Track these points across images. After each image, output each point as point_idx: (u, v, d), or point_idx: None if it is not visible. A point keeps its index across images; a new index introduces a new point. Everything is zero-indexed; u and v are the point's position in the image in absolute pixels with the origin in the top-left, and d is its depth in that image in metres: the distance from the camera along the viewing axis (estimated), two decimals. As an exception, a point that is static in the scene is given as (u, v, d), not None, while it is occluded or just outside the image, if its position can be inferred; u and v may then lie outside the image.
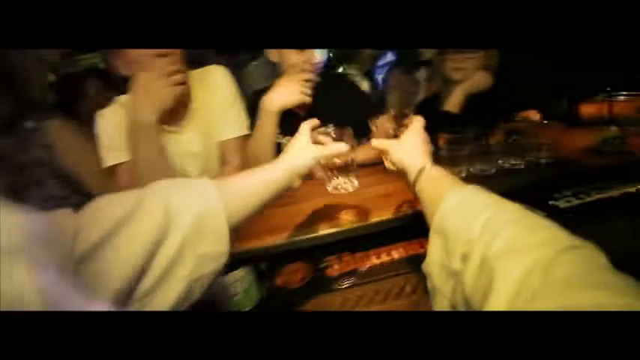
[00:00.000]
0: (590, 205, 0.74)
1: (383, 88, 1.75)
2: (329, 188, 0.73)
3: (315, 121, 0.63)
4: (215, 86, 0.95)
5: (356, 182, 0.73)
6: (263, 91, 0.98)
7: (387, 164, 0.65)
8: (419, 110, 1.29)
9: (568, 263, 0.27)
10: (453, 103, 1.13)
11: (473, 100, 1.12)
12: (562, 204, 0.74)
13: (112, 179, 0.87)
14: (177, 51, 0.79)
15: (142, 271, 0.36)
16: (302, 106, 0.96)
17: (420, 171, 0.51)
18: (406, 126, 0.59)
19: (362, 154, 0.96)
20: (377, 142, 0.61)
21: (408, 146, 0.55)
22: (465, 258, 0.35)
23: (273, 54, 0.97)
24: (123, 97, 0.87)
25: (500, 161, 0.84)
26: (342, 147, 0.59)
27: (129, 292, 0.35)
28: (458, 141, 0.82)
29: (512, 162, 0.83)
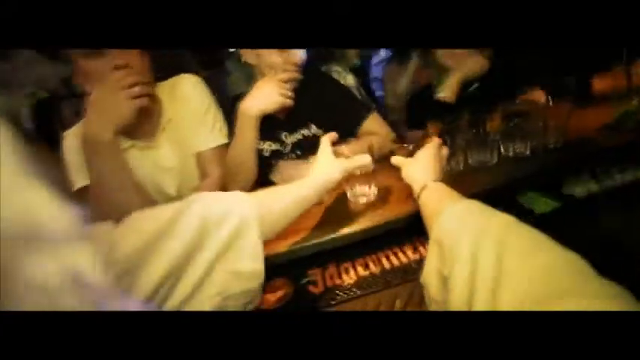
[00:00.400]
0: (614, 191, 0.63)
1: (376, 85, 1.67)
2: (350, 196, 0.73)
3: (333, 135, 0.65)
4: (186, 96, 0.90)
5: (375, 189, 0.72)
6: (242, 96, 0.93)
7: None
8: (412, 101, 1.20)
9: (557, 272, 0.27)
10: (447, 91, 1.03)
11: (469, 87, 1.02)
12: (579, 192, 0.64)
13: (84, 202, 0.82)
14: (139, 61, 0.75)
15: (173, 287, 0.36)
16: (282, 109, 0.90)
17: (423, 187, 0.53)
18: (424, 144, 0.63)
19: (349, 152, 0.88)
20: (395, 159, 0.65)
21: (418, 164, 0.59)
22: (452, 263, 0.35)
23: (249, 55, 0.92)
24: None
25: (502, 149, 0.74)
26: (368, 159, 0.61)
27: (159, 306, 0.35)
28: (450, 130, 0.73)
29: (516, 149, 0.73)
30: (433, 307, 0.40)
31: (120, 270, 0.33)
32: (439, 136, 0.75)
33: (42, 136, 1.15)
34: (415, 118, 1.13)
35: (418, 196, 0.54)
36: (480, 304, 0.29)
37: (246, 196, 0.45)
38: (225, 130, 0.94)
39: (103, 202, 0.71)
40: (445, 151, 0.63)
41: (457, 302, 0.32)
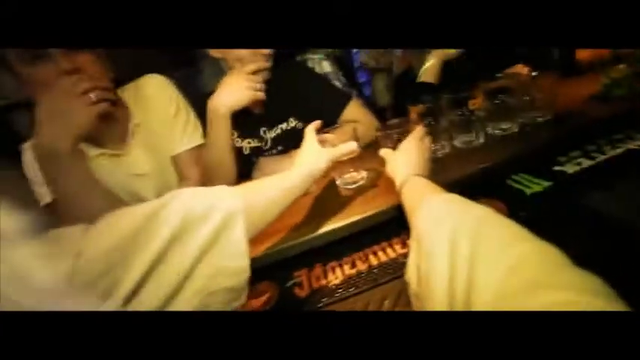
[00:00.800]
0: (605, 164, 0.60)
1: (360, 73, 1.62)
2: (340, 184, 0.71)
3: (317, 123, 0.65)
4: (152, 97, 0.85)
5: (365, 174, 0.71)
6: (213, 93, 0.88)
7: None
8: (395, 86, 1.16)
9: (532, 264, 0.27)
10: (428, 73, 0.99)
11: (450, 67, 0.98)
12: (570, 168, 0.61)
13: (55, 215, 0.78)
14: (93, 63, 0.69)
15: (154, 285, 0.34)
16: (255, 103, 0.85)
17: (404, 182, 0.52)
18: (408, 133, 0.61)
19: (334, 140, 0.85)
20: (382, 152, 0.64)
21: (401, 157, 0.58)
22: (430, 261, 0.34)
23: (214, 50, 0.86)
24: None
25: (488, 128, 0.71)
26: (353, 145, 0.60)
27: (142, 305, 0.34)
28: (431, 112, 0.70)
29: (503, 126, 0.70)
30: (414, 302, 0.39)
31: (97, 270, 0.32)
32: (421, 119, 0.72)
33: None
34: (398, 102, 1.09)
35: (399, 191, 0.52)
36: (459, 298, 0.29)
37: (230, 189, 0.43)
38: (199, 131, 0.89)
39: (72, 214, 0.66)
40: (428, 140, 0.61)
41: (437, 297, 0.31)
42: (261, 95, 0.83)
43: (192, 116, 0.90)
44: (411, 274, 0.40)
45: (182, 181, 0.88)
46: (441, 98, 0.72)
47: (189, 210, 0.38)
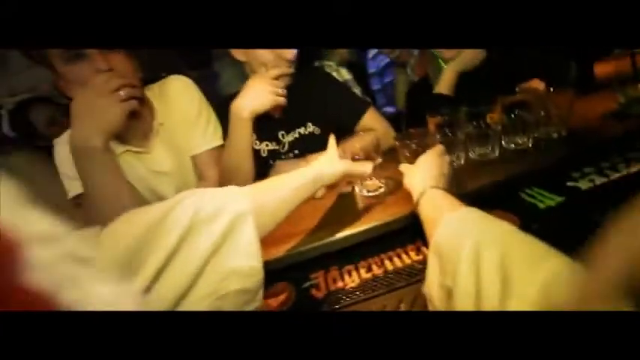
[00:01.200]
0: (619, 182, 0.61)
1: (373, 80, 1.64)
2: (359, 191, 0.73)
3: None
4: (177, 98, 0.88)
5: (383, 181, 0.73)
6: (236, 95, 0.90)
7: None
8: (409, 96, 1.17)
9: (564, 279, 0.27)
10: (444, 84, 1.01)
11: (466, 79, 1.00)
12: (584, 184, 0.62)
13: (79, 210, 0.80)
14: (124, 63, 0.72)
15: (166, 285, 0.34)
16: (276, 107, 0.88)
17: (421, 194, 0.52)
18: (426, 144, 0.63)
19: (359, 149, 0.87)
20: (401, 167, 0.65)
21: (419, 170, 0.58)
22: (455, 276, 0.35)
23: (238, 53, 0.89)
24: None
25: (503, 142, 0.73)
26: (369, 168, 0.62)
27: (152, 306, 0.34)
28: (450, 123, 0.72)
29: (518, 141, 0.72)
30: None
31: (111, 270, 0.32)
32: (439, 130, 0.74)
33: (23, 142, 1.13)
34: (413, 111, 1.11)
35: (417, 203, 0.53)
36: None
37: (240, 190, 0.43)
38: (219, 132, 0.92)
39: (97, 209, 0.69)
40: (447, 158, 0.61)
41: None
42: (283, 100, 0.86)
43: (214, 118, 0.92)
44: (431, 290, 0.40)
45: (201, 181, 0.90)
46: (459, 110, 0.73)
47: (198, 210, 0.37)
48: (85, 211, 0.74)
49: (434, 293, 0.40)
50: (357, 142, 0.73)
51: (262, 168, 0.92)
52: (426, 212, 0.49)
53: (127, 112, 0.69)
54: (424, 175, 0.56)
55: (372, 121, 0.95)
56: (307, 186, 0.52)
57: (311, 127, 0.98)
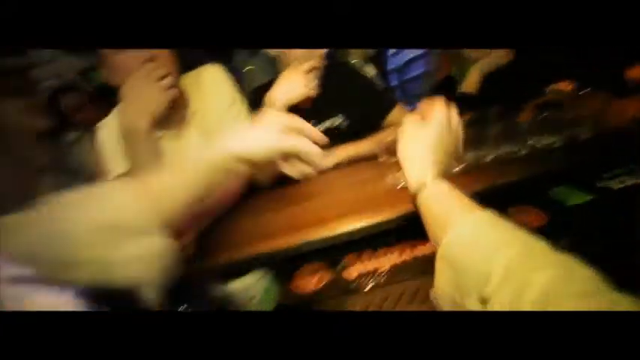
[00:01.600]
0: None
1: (392, 76, 1.65)
2: (394, 180, 0.71)
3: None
4: (210, 87, 0.91)
5: None
6: (263, 87, 0.93)
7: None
8: (433, 93, 1.19)
9: (597, 295, 0.26)
10: (469, 83, 1.03)
11: (492, 79, 1.01)
12: (614, 185, 0.64)
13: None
14: (166, 53, 0.75)
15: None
16: (307, 99, 0.90)
17: (421, 186, 0.43)
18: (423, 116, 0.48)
19: (367, 147, 0.89)
20: (385, 134, 0.57)
21: (416, 148, 0.45)
22: (485, 301, 0.31)
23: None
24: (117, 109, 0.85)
25: (532, 141, 0.74)
26: (315, 150, 0.48)
27: None
28: (480, 120, 0.73)
29: (547, 141, 0.73)
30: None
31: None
32: (466, 128, 0.75)
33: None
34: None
35: (414, 197, 0.43)
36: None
37: (125, 183, 0.43)
38: (249, 121, 0.95)
39: None
40: (457, 121, 0.48)
41: None
42: (314, 93, 0.88)
43: (245, 108, 0.95)
44: (442, 298, 0.37)
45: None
46: (489, 109, 0.75)
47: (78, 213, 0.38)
48: None
49: (444, 304, 0.37)
50: (392, 136, 0.75)
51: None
52: (429, 210, 0.41)
53: (170, 99, 0.73)
54: (424, 154, 0.45)
55: (399, 117, 0.97)
56: (210, 166, 0.48)
57: (338, 121, 1.00)
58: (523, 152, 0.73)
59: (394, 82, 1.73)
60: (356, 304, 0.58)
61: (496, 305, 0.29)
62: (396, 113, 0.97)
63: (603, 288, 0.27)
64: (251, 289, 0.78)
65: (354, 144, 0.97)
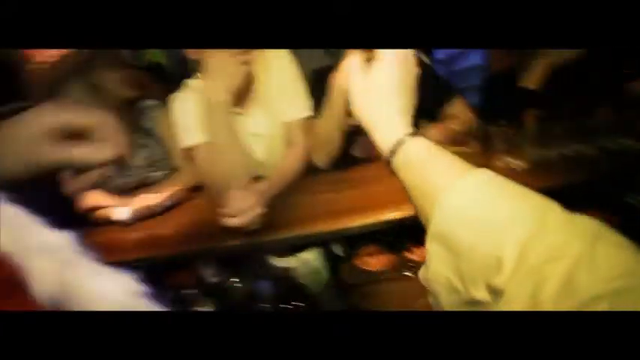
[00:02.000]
0: None
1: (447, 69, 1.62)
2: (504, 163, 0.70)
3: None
4: (276, 66, 0.94)
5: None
6: (324, 70, 0.95)
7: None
8: (489, 87, 1.17)
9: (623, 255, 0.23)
10: (532, 78, 1.00)
11: (560, 75, 0.98)
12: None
13: (189, 160, 0.91)
14: None
15: None
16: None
17: (398, 143, 0.34)
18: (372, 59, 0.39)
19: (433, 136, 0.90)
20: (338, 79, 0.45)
21: (375, 95, 0.37)
22: (497, 293, 0.25)
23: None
24: (193, 81, 0.90)
25: (605, 142, 0.73)
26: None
27: None
28: (552, 117, 0.73)
29: (621, 141, 0.72)
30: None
31: None
32: (535, 122, 0.75)
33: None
34: (495, 104, 1.11)
35: (390, 157, 0.34)
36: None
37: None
38: (309, 104, 0.98)
39: (212, 160, 0.78)
40: (408, 53, 0.39)
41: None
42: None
43: (305, 90, 0.98)
44: (436, 284, 0.30)
45: (288, 146, 0.97)
46: (560, 105, 0.74)
47: None
48: (198, 161, 0.84)
49: (440, 292, 0.30)
50: (453, 125, 0.76)
51: (346, 142, 0.97)
52: (411, 176, 0.33)
53: (246, 73, 0.77)
54: (390, 109, 0.36)
55: (459, 108, 0.97)
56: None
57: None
58: (594, 153, 0.73)
59: (440, 73, 1.70)
60: (414, 289, 0.61)
61: (513, 298, 0.24)
62: (456, 105, 0.97)
63: (633, 262, 0.22)
64: (307, 265, 0.83)
65: None
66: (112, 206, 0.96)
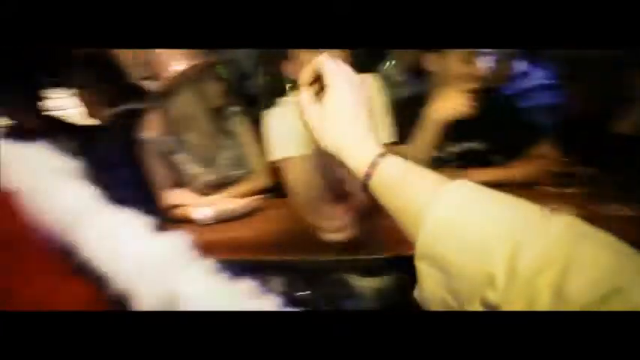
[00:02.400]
0: None
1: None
2: None
3: None
4: (372, 95, 0.97)
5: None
6: (414, 98, 0.98)
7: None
8: (570, 129, 1.13)
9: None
10: (628, 124, 0.97)
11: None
12: None
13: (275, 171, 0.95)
14: None
15: None
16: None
17: (372, 165, 0.33)
18: (320, 86, 0.38)
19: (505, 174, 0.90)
20: (299, 98, 0.39)
21: (335, 121, 0.36)
22: (494, 308, 0.25)
23: (432, 63, 0.96)
24: (290, 98, 0.95)
25: None
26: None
27: None
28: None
29: None
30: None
31: None
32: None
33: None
34: (576, 147, 1.07)
35: (367, 180, 0.34)
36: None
37: None
38: (394, 130, 1.00)
39: (309, 173, 0.83)
40: (350, 71, 0.38)
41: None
42: (471, 113, 0.90)
43: (391, 118, 1.01)
44: (432, 303, 0.31)
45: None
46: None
47: None
48: (291, 173, 0.88)
49: (436, 307, 0.30)
50: (544, 165, 0.74)
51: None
52: (391, 195, 0.33)
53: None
54: (355, 131, 0.36)
55: (546, 149, 0.96)
56: None
57: (477, 144, 1.02)
58: None
59: (524, 113, 1.66)
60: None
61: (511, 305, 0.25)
62: (542, 147, 0.96)
63: (615, 260, 0.23)
64: (380, 289, 0.82)
65: (493, 169, 0.97)
66: (194, 205, 1.01)
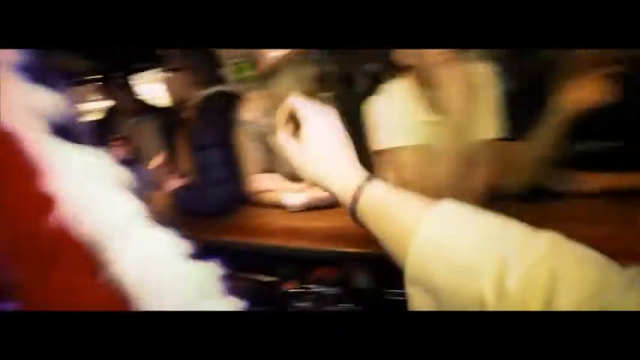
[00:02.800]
0: None
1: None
2: None
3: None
4: (481, 83, 0.89)
5: None
6: (532, 90, 0.87)
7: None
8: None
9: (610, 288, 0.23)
10: None
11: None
12: None
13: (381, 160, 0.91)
14: None
15: None
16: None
17: (358, 190, 0.35)
18: (296, 124, 0.41)
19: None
20: (280, 140, 0.41)
21: (321, 152, 0.38)
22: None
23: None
24: (394, 85, 0.90)
25: None
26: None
27: None
28: None
29: None
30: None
31: None
32: None
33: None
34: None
35: (353, 208, 0.35)
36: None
37: None
38: (507, 124, 0.90)
39: (419, 164, 0.78)
40: (322, 107, 0.41)
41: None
42: (608, 101, 0.78)
43: (503, 109, 0.91)
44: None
45: (472, 166, 0.90)
46: None
47: None
48: (397, 164, 0.83)
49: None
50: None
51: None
52: (378, 219, 0.34)
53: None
54: (337, 159, 0.38)
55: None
56: None
57: (603, 143, 0.88)
58: None
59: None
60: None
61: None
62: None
63: (599, 275, 0.24)
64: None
65: (618, 174, 0.85)
66: (285, 191, 1.00)
